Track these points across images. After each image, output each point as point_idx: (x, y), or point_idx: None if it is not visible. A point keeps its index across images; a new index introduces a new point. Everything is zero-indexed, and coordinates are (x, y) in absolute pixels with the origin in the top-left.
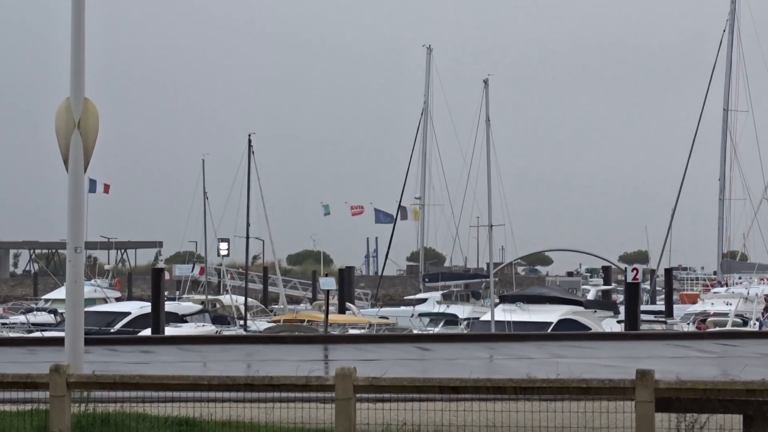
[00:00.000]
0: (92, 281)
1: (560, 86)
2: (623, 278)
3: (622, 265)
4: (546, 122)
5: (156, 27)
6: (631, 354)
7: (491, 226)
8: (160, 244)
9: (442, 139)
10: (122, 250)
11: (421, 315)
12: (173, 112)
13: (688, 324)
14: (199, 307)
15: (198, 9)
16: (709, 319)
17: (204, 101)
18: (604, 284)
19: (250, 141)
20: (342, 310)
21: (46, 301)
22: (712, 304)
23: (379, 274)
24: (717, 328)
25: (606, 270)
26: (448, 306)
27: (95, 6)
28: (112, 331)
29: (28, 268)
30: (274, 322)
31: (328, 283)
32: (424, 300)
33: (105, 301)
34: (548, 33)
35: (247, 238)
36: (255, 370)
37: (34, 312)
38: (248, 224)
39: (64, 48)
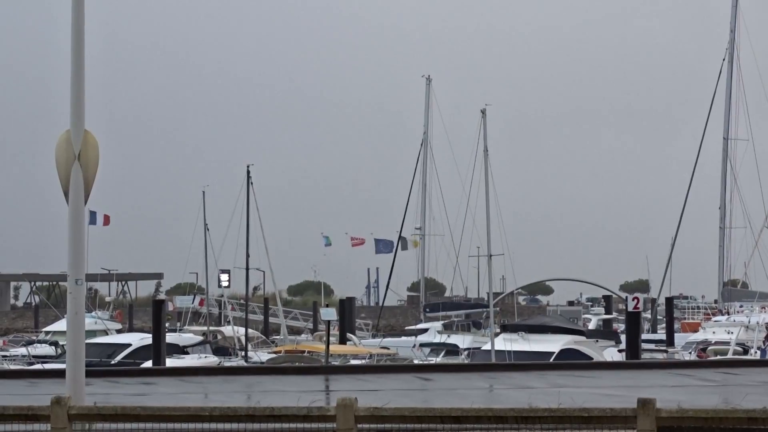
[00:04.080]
0: (93, 313)
1: (559, 116)
2: (624, 307)
3: (623, 294)
4: (546, 152)
5: (156, 60)
6: (633, 383)
7: (490, 255)
8: (160, 276)
9: (442, 170)
10: (123, 282)
11: (422, 345)
12: (173, 144)
13: (689, 353)
14: (200, 338)
15: (197, 40)
16: (709, 348)
17: (204, 133)
18: (605, 313)
19: (248, 172)
20: (343, 340)
21: (47, 333)
22: (714, 332)
23: (380, 304)
24: (718, 357)
25: (607, 299)
26: (448, 336)
27: (95, 40)
28: (112, 362)
29: (28, 301)
30: (275, 353)
31: (329, 313)
32: (424, 330)
33: (106, 332)
34: (547, 63)
35: (247, 269)
36: (256, 401)
37: (35, 344)
38: (248, 255)
39: (65, 80)
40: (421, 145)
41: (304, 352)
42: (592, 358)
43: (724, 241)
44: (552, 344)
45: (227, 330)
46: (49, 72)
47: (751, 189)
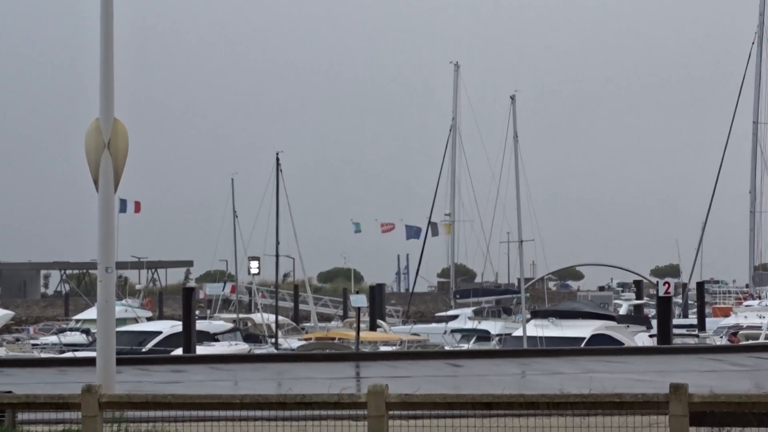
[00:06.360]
0: (123, 301)
1: (589, 99)
2: (655, 292)
3: (654, 279)
4: (575, 136)
5: (184, 47)
6: (664, 368)
7: (521, 241)
8: (190, 264)
9: (471, 155)
10: (153, 270)
11: (452, 331)
12: (202, 132)
13: (721, 337)
14: (231, 325)
15: (224, 28)
16: (741, 332)
17: (232, 120)
18: (636, 298)
19: (278, 159)
20: (373, 327)
21: (77, 321)
22: (745, 317)
23: (410, 290)
24: (750, 341)
25: (638, 284)
26: (479, 322)
27: (124, 27)
28: (143, 350)
29: (59, 289)
30: (305, 340)
31: (359, 300)
32: (455, 316)
33: (136, 320)
34: (576, 48)
35: (277, 256)
36: (287, 389)
37: (66, 332)
38: (278, 242)
39: (94, 69)
40: (450, 130)
41: (334, 339)
42: (623, 344)
43: (754, 225)
44: (583, 330)
45: (257, 317)
46: (78, 59)
47: None
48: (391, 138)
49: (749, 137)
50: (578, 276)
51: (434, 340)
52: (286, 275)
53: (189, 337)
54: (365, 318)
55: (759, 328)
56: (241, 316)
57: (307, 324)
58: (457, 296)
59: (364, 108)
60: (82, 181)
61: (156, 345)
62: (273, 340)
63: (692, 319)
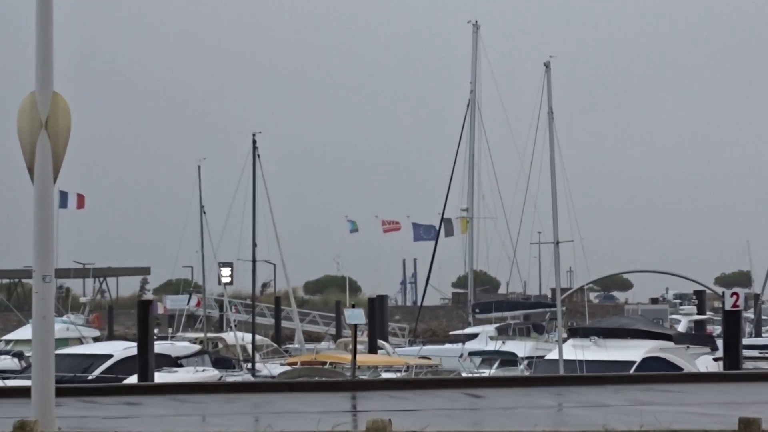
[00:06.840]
0: (65, 317)
1: (637, 72)
2: (721, 305)
3: (719, 290)
4: (622, 116)
5: (140, 9)
6: (732, 399)
7: (557, 242)
8: (147, 271)
9: (494, 137)
10: (101, 279)
11: (471, 354)
12: (163, 109)
13: None
14: (197, 347)
15: None
16: None
17: (201, 98)
18: (698, 313)
19: (254, 142)
20: (373, 349)
21: (8, 342)
22: None
23: (419, 304)
24: None
25: (699, 295)
26: (504, 342)
27: None
28: (89, 378)
29: None
30: (289, 364)
31: (356, 316)
32: (474, 335)
33: (80, 341)
34: (622, 6)
35: (254, 261)
36: (266, 425)
37: None
38: (254, 244)
39: (30, 33)
40: (468, 106)
41: (324, 363)
42: (681, 369)
43: None
44: (632, 352)
45: (230, 337)
46: (11, 23)
47: None
48: (395, 117)
49: None
50: (626, 285)
51: (448, 364)
52: (265, 285)
53: (145, 361)
54: (363, 338)
55: None
56: (210, 335)
57: (292, 345)
58: (477, 310)
59: (362, 80)
60: (13, 170)
61: (105, 371)
62: (249, 365)
63: (766, 339)
